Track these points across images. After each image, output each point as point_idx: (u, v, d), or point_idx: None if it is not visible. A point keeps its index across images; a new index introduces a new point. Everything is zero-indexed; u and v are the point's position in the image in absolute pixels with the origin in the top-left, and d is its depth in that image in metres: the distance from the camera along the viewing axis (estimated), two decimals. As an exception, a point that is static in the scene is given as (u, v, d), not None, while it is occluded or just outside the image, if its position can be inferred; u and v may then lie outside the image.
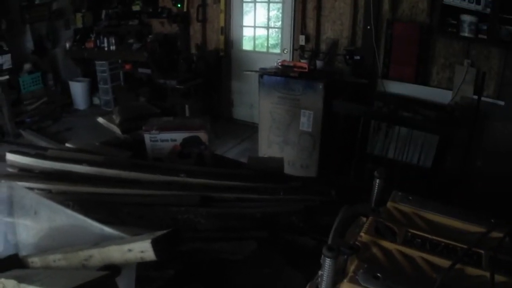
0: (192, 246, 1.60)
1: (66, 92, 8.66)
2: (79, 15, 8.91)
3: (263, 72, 5.42)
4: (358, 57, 5.66)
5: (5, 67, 7.35)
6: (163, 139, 2.43)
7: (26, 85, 7.65)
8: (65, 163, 2.10)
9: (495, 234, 1.19)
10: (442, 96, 5.26)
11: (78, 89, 8.69)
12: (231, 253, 1.62)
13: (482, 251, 1.12)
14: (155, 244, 1.06)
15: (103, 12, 8.80)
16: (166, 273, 1.54)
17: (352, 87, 5.39)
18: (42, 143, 6.40)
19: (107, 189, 1.89)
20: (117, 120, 3.09)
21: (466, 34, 4.85)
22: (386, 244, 1.14)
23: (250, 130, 6.99)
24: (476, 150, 4.95)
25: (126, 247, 1.11)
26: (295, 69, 5.27)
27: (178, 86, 6.70)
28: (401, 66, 5.53)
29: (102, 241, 1.27)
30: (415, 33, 5.34)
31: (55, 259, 1.31)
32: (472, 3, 4.69)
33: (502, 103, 4.96)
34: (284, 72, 5.30)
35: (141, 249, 1.08)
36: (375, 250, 1.13)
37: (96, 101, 8.87)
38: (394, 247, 1.13)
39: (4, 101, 7.04)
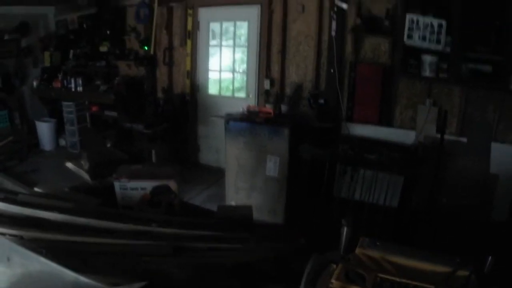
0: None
1: (32, 132, 8.56)
2: (47, 54, 8.88)
3: (229, 118, 5.50)
4: (322, 101, 5.77)
5: None
6: (133, 187, 2.45)
7: None
8: (35, 209, 2.11)
9: (461, 273, 1.26)
10: (406, 136, 5.40)
11: (44, 129, 8.59)
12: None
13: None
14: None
15: (71, 52, 8.80)
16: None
17: (317, 131, 5.50)
18: (8, 183, 6.30)
19: (79, 237, 1.90)
20: (86, 166, 3.10)
21: (427, 74, 5.03)
22: (357, 290, 1.20)
23: (217, 174, 6.91)
24: (441, 186, 5.07)
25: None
26: (261, 115, 5.38)
27: (145, 131, 6.72)
28: (364, 108, 5.67)
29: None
30: (378, 75, 5.51)
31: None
32: (433, 42, 4.87)
33: (464, 139, 5.14)
34: (249, 117, 5.40)
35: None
36: (346, 297, 1.18)
37: (62, 142, 8.73)
38: (364, 293, 1.19)
39: None
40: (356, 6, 5.52)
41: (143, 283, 1.18)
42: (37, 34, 8.87)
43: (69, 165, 3.33)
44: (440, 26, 4.79)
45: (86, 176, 3.09)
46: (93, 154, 3.37)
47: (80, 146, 8.21)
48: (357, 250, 1.43)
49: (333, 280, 1.24)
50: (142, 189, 2.45)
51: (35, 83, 8.80)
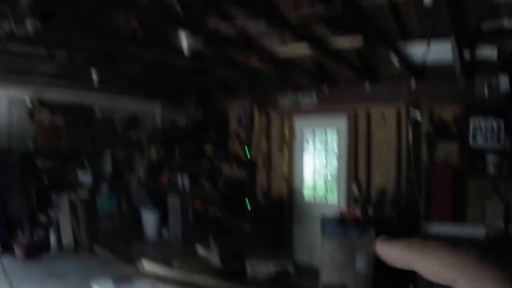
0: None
1: (137, 218, 9.48)
2: (154, 149, 10.19)
3: (325, 221, 6.37)
4: (402, 203, 6.53)
5: (85, 183, 8.62)
6: (261, 269, 3.34)
7: (102, 205, 8.68)
8: (191, 273, 3.00)
9: None
10: (477, 230, 5.86)
11: (149, 218, 9.43)
12: None
13: None
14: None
15: (176, 149, 9.98)
16: None
17: (399, 231, 6.23)
18: (115, 262, 7.14)
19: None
20: (217, 254, 4.04)
21: (492, 173, 5.64)
22: None
23: (309, 272, 7.14)
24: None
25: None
26: (351, 218, 6.23)
27: (247, 228, 7.58)
28: (440, 207, 6.20)
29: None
30: (450, 176, 6.13)
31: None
32: (494, 142, 5.50)
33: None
34: (342, 221, 6.25)
35: None
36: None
37: (164, 232, 9.49)
38: None
39: (82, 215, 8.04)
40: (428, 115, 6.38)
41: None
42: (145, 129, 10.30)
43: (200, 250, 4.27)
44: (499, 126, 5.49)
45: (216, 261, 4.01)
46: (220, 245, 4.32)
47: (182, 237, 8.98)
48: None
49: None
50: (267, 269, 3.34)
51: (141, 174, 10.04)
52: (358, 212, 6.46)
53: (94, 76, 7.10)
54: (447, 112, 6.26)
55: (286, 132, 8.16)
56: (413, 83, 6.38)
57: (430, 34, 4.53)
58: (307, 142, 8.17)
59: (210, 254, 4.13)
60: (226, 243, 5.30)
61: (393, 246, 0.45)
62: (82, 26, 4.88)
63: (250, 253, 3.57)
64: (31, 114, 8.39)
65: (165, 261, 6.11)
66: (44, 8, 4.19)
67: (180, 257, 5.70)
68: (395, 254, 0.44)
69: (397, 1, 4.09)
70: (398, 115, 6.81)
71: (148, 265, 3.04)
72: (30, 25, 4.17)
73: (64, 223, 7.92)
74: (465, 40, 4.63)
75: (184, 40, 4.65)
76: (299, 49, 4.72)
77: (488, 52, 4.94)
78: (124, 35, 5.51)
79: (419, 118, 6.44)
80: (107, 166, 9.51)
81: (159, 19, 4.64)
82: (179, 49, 5.05)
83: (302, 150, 8.17)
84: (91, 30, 5.08)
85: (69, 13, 4.58)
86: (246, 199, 8.36)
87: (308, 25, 4.33)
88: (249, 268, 3.32)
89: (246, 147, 8.60)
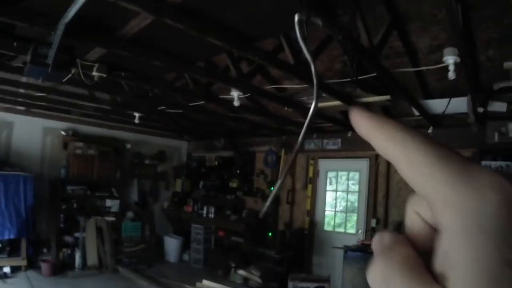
0: None
1: (159, 244, 10.28)
2: (179, 181, 11.07)
3: (347, 248, 7.06)
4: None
5: (112, 210, 9.50)
6: (303, 286, 4.06)
7: (127, 230, 9.50)
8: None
9: None
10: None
11: (172, 244, 10.26)
12: None
13: None
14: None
15: (201, 182, 10.85)
16: None
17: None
18: (140, 281, 7.92)
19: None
20: (258, 274, 4.75)
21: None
22: None
23: None
24: None
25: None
26: (371, 247, 6.90)
27: (275, 255, 8.07)
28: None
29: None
30: None
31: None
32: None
33: None
34: (363, 248, 6.93)
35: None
36: None
37: (185, 257, 10.25)
38: None
39: (108, 238, 8.77)
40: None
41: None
42: (171, 163, 11.26)
43: (242, 272, 4.97)
44: (507, 168, 6.24)
45: (257, 280, 4.72)
46: (259, 267, 5.03)
47: (203, 262, 9.73)
48: None
49: None
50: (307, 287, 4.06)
51: (165, 204, 10.93)
52: (376, 240, 7.13)
53: (137, 120, 7.90)
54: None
55: (311, 172, 8.89)
56: (430, 130, 7.12)
57: (450, 95, 5.30)
58: (330, 181, 8.91)
59: (250, 274, 4.83)
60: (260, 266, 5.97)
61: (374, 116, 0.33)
62: (134, 75, 5.44)
63: (294, 275, 4.23)
64: (64, 143, 9.27)
65: (190, 282, 6.82)
66: (113, 62, 4.84)
67: (210, 278, 6.35)
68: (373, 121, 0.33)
69: (422, 69, 4.83)
70: (418, 155, 7.45)
71: (207, 284, 3.70)
72: (96, 75, 4.84)
73: (90, 244, 8.53)
74: (479, 97, 5.37)
75: (236, 97, 5.40)
76: (332, 104, 5.42)
77: (498, 106, 5.61)
78: (173, 86, 6.21)
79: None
80: (134, 196, 10.38)
81: (213, 78, 5.30)
82: (222, 100, 5.82)
83: (325, 188, 8.90)
84: (141, 79, 5.69)
85: (126, 66, 5.16)
86: (269, 229, 9.07)
87: (342, 84, 5.04)
88: (291, 286, 4.01)
89: (271, 184, 9.29)
